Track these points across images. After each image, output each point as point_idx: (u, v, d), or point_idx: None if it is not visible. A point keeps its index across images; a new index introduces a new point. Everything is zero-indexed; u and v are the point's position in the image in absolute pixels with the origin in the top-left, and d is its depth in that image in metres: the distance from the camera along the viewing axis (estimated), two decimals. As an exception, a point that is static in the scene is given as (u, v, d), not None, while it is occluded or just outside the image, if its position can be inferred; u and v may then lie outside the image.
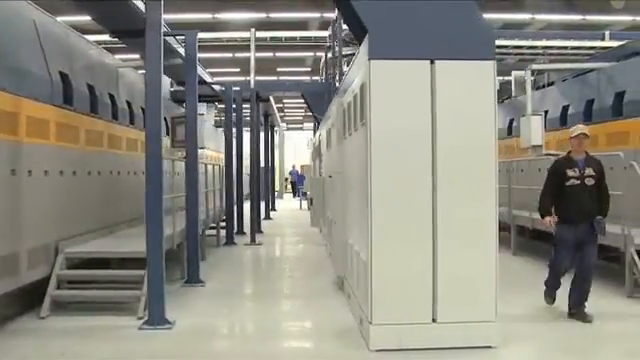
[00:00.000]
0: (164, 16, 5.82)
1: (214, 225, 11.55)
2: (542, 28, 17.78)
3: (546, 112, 11.49)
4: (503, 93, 14.63)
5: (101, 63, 8.54)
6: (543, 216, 6.08)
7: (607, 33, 12.58)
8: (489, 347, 4.94)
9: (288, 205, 26.81)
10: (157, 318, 5.68)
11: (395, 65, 4.93)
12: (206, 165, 10.12)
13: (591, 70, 10.30)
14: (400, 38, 4.93)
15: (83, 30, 9.47)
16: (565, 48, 12.32)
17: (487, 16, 17.01)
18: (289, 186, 33.81)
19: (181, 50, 8.21)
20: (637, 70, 8.91)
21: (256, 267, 9.46)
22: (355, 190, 5.96)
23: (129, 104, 9.20)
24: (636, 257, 6.73)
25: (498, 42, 12.10)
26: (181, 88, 12.25)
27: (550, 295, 6.28)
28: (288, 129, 40.24)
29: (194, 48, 7.64)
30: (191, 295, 7.27)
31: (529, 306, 6.60)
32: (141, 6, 6.49)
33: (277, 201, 27.17)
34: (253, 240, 12.01)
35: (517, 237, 10.70)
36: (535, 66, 10.68)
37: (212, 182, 10.70)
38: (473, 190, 4.98)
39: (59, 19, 8.26)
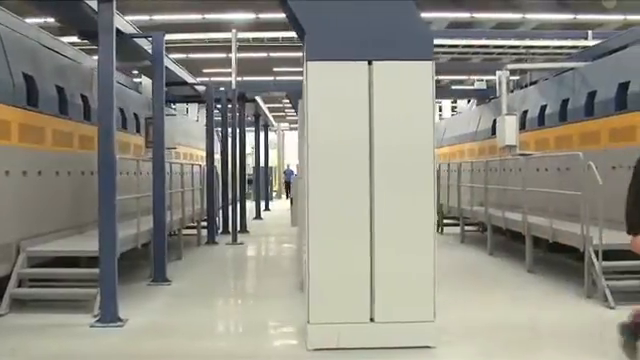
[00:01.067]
0: (140, 17, 5.92)
1: (194, 225, 11.67)
2: (535, 27, 17.70)
3: (525, 112, 11.50)
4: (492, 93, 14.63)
5: (73, 64, 8.66)
6: (630, 233, 4.38)
7: (590, 33, 12.52)
8: (428, 347, 4.96)
9: (284, 205, 26.91)
10: (109, 316, 5.77)
11: (332, 66, 4.96)
12: (182, 165, 10.21)
13: (569, 70, 10.28)
14: (337, 39, 4.96)
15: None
16: (547, 48, 12.29)
17: (480, 16, 17.26)
18: (289, 186, 33.94)
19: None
20: (607, 70, 8.88)
21: (229, 266, 9.55)
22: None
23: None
24: (594, 258, 6.72)
25: (481, 42, 12.12)
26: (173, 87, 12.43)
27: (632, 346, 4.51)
28: (291, 129, 40.30)
29: (161, 49, 7.74)
30: (153, 293, 7.37)
31: (485, 304, 6.66)
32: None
33: (275, 201, 27.35)
34: (235, 240, 12.10)
35: (495, 237, 10.75)
36: (510, 66, 10.67)
37: (192, 182, 10.81)
38: (411, 191, 5.00)
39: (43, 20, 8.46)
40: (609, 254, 7.20)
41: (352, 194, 4.97)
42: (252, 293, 7.71)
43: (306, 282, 5.02)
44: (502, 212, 9.73)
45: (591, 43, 12.06)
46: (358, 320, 4.97)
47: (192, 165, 11.71)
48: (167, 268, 8.04)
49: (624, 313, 6.11)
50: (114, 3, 5.81)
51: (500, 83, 12.94)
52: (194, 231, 11.79)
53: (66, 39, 9.55)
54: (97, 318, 5.83)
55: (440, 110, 19.24)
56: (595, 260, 6.67)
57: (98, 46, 5.73)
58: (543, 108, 10.65)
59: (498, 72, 13.15)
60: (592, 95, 9.02)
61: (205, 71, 23.07)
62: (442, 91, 15.95)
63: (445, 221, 13.60)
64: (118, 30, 7.69)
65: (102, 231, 5.79)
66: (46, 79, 7.52)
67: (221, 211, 13.49)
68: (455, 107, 18.56)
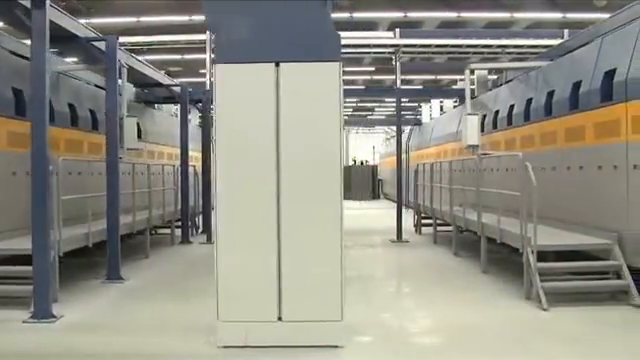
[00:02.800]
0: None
1: (168, 225, 11.85)
2: (527, 27, 17.54)
3: (497, 112, 11.43)
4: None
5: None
6: None
7: (566, 32, 12.35)
8: (335, 347, 5.02)
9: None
10: (41, 312, 5.95)
11: (240, 68, 5.04)
12: (149, 165, 10.38)
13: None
14: (245, 41, 5.03)
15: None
16: (522, 47, 12.18)
17: (469, 15, 17.17)
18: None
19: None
20: (563, 70, 8.80)
21: (193, 266, 9.67)
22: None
23: (72, 107, 9.54)
24: (531, 258, 6.69)
25: (455, 42, 12.08)
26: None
27: None
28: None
29: (114, 53, 7.91)
30: (103, 291, 7.55)
31: (422, 306, 6.68)
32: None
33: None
34: (209, 239, 12.24)
35: (460, 237, 10.73)
36: (473, 65, 10.62)
37: (162, 182, 10.95)
38: (318, 192, 5.06)
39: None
40: (564, 255, 7.20)
41: (260, 196, 5.05)
42: (202, 291, 7.80)
43: (215, 281, 5.13)
44: (462, 212, 9.72)
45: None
46: (266, 319, 5.05)
47: (162, 165, 11.86)
48: (130, 266, 8.19)
49: (556, 315, 6.17)
50: (47, 10, 5.97)
51: (482, 82, 12.98)
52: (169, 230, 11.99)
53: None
54: (31, 314, 6.03)
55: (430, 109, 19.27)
56: (533, 261, 6.65)
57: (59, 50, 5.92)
58: (511, 108, 10.58)
59: (476, 72, 13.13)
60: (551, 95, 8.95)
61: (201, 71, 23.36)
62: (427, 91, 16.00)
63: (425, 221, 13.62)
64: (73, 34, 7.95)
65: (34, 230, 5.97)
66: (3, 82, 7.74)
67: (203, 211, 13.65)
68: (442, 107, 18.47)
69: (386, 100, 29.73)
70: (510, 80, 11.80)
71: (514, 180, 9.53)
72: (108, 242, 8.02)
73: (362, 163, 30.19)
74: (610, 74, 7.24)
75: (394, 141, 16.70)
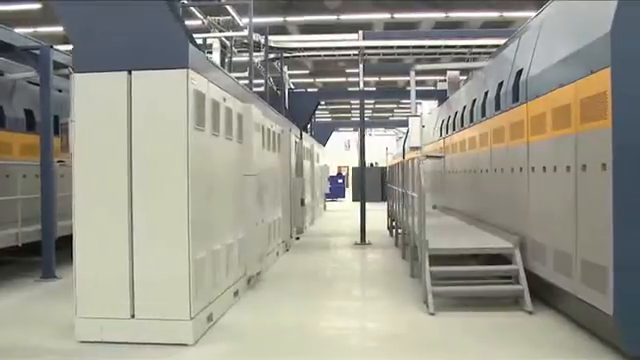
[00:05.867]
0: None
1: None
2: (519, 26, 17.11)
3: (456, 113, 11.27)
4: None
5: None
6: None
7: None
8: (184, 345, 5.17)
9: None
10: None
11: (96, 77, 5.26)
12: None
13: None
14: (99, 50, 5.24)
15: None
16: (485, 47, 11.85)
17: (457, 15, 16.90)
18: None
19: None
20: (493, 70, 8.63)
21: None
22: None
23: (30, 113, 10.05)
24: (427, 264, 6.61)
25: (416, 42, 11.94)
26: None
27: None
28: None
29: (48, 62, 8.32)
30: (29, 288, 7.93)
31: (325, 309, 6.71)
32: None
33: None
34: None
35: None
36: (419, 66, 10.48)
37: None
38: (166, 195, 5.22)
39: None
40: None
41: (113, 197, 5.26)
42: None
43: (73, 278, 5.37)
44: (404, 216, 9.65)
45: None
46: (120, 316, 5.26)
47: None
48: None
49: (437, 320, 6.10)
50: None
51: (453, 83, 12.79)
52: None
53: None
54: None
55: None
56: (428, 266, 6.58)
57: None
58: (464, 109, 10.42)
59: (449, 72, 12.95)
60: (486, 96, 8.78)
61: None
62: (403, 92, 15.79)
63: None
64: (7, 44, 8.39)
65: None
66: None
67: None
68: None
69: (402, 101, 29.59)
70: (467, 80, 11.65)
71: (473, 182, 9.46)
72: (42, 242, 8.40)
73: (372, 165, 30.00)
74: (519, 74, 7.08)
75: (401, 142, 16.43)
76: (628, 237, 4.44)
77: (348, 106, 32.99)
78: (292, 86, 20.24)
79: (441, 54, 12.28)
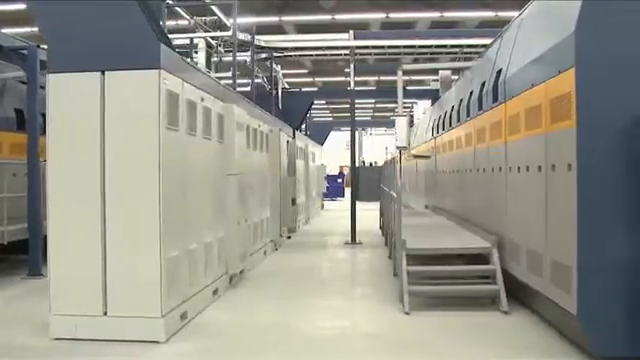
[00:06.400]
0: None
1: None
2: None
3: (446, 112, 11.28)
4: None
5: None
6: None
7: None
8: (156, 342, 5.23)
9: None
10: None
11: (70, 78, 5.32)
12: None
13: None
14: (73, 51, 5.30)
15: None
16: (476, 47, 11.83)
17: (452, 15, 16.89)
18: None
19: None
20: (478, 70, 8.63)
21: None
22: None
23: (20, 112, 10.14)
24: (404, 263, 6.64)
25: (407, 42, 11.94)
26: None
27: None
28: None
29: (35, 61, 8.40)
30: (14, 286, 8.03)
31: (307, 307, 6.74)
32: None
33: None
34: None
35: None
36: (406, 66, 10.49)
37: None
38: (138, 194, 5.29)
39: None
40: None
41: (86, 197, 5.32)
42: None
43: (48, 276, 5.44)
44: (388, 215, 9.69)
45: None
46: (93, 313, 5.32)
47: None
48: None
49: (412, 319, 6.12)
50: None
51: (445, 82, 12.79)
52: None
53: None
54: None
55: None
56: (405, 266, 6.60)
57: None
58: (452, 108, 10.43)
59: (441, 72, 12.95)
60: (471, 95, 8.79)
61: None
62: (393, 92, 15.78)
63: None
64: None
65: None
66: None
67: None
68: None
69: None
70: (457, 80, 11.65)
71: (460, 182, 9.47)
72: (29, 240, 8.49)
73: (371, 164, 30.01)
74: (499, 74, 7.08)
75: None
76: (591, 237, 4.45)
77: (348, 105, 32.90)
78: (287, 85, 20.27)
79: (432, 54, 12.29)
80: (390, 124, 34.63)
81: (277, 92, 14.69)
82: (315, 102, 28.75)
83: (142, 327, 5.24)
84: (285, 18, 16.88)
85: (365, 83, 25.89)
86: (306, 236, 13.94)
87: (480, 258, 7.25)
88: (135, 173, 5.28)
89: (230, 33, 10.29)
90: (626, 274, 4.39)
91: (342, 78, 25.66)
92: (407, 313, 6.24)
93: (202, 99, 6.47)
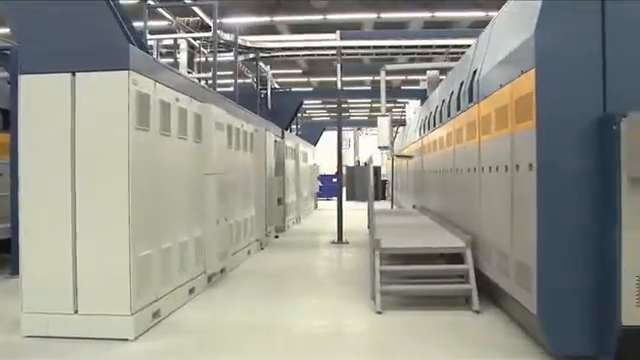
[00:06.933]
0: None
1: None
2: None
3: (431, 113, 11.32)
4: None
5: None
6: None
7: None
8: (126, 340, 5.30)
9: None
10: None
11: (40, 79, 5.38)
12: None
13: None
14: (44, 52, 5.36)
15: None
16: (462, 47, 11.87)
17: (444, 15, 16.91)
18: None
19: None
20: (457, 70, 8.67)
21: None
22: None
23: (7, 112, 10.21)
24: (377, 262, 6.68)
25: (393, 43, 11.98)
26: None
27: None
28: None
29: (18, 62, 8.44)
30: (-3, 284, 8.15)
31: (278, 306, 6.80)
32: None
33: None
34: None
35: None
36: (389, 67, 10.54)
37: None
38: (107, 194, 5.34)
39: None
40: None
41: (57, 197, 5.37)
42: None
43: (20, 275, 5.50)
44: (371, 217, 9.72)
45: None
46: (64, 311, 5.38)
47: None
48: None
49: (382, 318, 6.17)
50: None
51: (433, 82, 12.83)
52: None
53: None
54: None
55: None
56: (378, 265, 6.65)
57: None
58: (436, 109, 10.47)
59: (428, 72, 12.99)
60: (452, 96, 8.83)
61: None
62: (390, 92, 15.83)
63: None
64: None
65: None
66: None
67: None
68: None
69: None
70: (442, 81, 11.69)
71: (443, 181, 9.50)
72: (12, 239, 8.56)
73: (366, 164, 30.01)
74: (474, 75, 7.12)
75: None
76: (550, 237, 4.49)
77: (346, 105, 33.00)
78: (277, 85, 20.30)
79: (419, 54, 12.33)
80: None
81: (266, 92, 14.74)
82: (312, 102, 28.87)
83: (112, 325, 5.30)
84: (277, 18, 16.93)
85: (362, 83, 25.95)
86: (295, 235, 14.00)
87: (459, 258, 7.30)
88: (105, 173, 5.34)
89: (209, 34, 10.33)
90: (584, 274, 4.43)
91: (334, 78, 25.73)
92: (379, 312, 6.29)
93: (177, 99, 6.52)
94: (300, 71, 24.34)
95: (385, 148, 9.75)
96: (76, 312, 5.38)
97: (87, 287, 5.35)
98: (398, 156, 9.55)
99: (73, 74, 5.35)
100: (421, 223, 9.70)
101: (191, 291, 6.95)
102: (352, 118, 33.33)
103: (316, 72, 25.30)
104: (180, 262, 6.59)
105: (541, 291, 4.53)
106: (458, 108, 8.01)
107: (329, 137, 35.71)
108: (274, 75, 24.14)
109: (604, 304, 4.35)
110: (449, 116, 8.77)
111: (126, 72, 5.28)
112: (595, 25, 4.48)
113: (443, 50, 12.03)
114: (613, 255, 4.24)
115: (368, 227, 14.28)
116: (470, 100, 7.16)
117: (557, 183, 4.48)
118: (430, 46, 11.97)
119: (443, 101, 9.61)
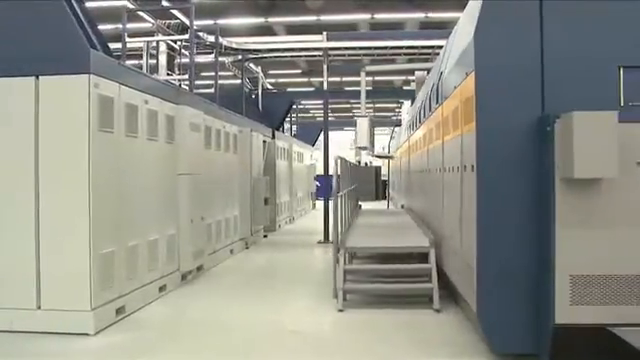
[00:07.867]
0: None
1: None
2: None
3: (415, 114, 11.39)
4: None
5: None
6: None
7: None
8: (86, 334, 5.47)
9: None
10: None
11: (5, 82, 5.56)
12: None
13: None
14: (8, 56, 5.52)
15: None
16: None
17: (437, 15, 16.93)
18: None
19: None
20: (434, 71, 8.73)
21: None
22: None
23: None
24: (341, 261, 6.79)
25: (379, 44, 12.06)
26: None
27: None
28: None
29: None
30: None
31: (249, 305, 6.92)
32: None
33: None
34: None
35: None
36: (368, 67, 10.62)
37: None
38: (69, 193, 5.52)
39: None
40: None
41: (21, 196, 5.56)
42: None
43: (-14, 271, 5.71)
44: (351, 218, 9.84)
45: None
46: (27, 307, 5.57)
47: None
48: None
49: (342, 316, 6.27)
50: None
51: (420, 83, 12.88)
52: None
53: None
54: None
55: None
56: (344, 264, 6.76)
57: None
58: (418, 109, 10.54)
59: (416, 72, 13.04)
60: (429, 97, 8.91)
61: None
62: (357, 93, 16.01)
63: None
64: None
65: None
66: None
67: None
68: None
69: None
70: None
71: (421, 181, 9.58)
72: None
73: (366, 164, 30.10)
74: (441, 76, 7.20)
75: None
76: (488, 239, 4.56)
77: (348, 105, 33.09)
78: (269, 86, 20.41)
79: (405, 54, 12.40)
80: (389, 124, 34.74)
81: (257, 93, 14.88)
82: (313, 102, 28.97)
83: (73, 320, 5.48)
84: (272, 19, 17.07)
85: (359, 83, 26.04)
86: (284, 235, 14.14)
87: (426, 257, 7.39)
88: (67, 173, 5.52)
89: (186, 36, 10.51)
90: (523, 273, 4.50)
91: (337, 78, 25.86)
92: (341, 310, 6.40)
93: (146, 102, 6.69)
94: (300, 71, 24.47)
95: (364, 148, 9.83)
96: (39, 308, 5.56)
97: (49, 283, 5.53)
98: (378, 156, 9.62)
99: (37, 77, 5.54)
100: (400, 223, 9.78)
101: (162, 288, 7.10)
102: (356, 117, 33.28)
103: (316, 72, 25.43)
104: (149, 260, 6.75)
105: (480, 291, 4.61)
106: (430, 109, 8.09)
107: (331, 137, 35.64)
108: (273, 76, 24.30)
109: (541, 303, 4.43)
110: (424, 117, 8.85)
111: (87, 76, 5.45)
112: (534, 26, 4.55)
113: (429, 51, 12.10)
114: (548, 254, 4.32)
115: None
116: (437, 101, 7.24)
117: (495, 184, 4.55)
118: (416, 47, 12.04)
119: (422, 102, 9.69)
